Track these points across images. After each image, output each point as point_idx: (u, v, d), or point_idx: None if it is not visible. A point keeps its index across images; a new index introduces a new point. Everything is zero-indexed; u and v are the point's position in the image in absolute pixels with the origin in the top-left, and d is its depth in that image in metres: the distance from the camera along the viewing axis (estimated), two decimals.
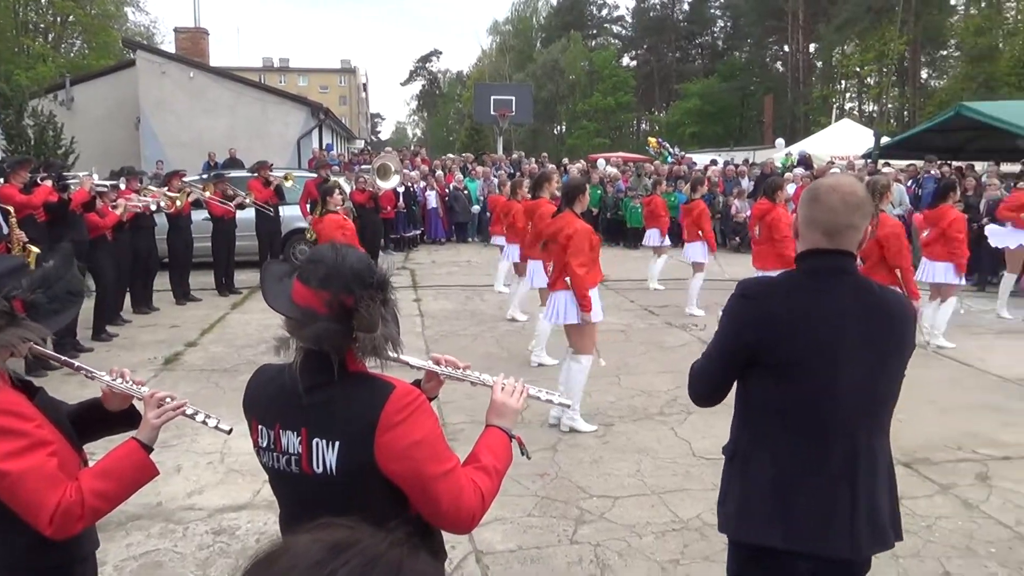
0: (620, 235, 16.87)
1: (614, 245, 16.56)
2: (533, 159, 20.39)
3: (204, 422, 1.96)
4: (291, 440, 1.62)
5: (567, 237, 5.26)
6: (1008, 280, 9.41)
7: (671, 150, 24.19)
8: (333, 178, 11.57)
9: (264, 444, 1.68)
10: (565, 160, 21.77)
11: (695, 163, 20.65)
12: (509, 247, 9.17)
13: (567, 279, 5.31)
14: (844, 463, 1.91)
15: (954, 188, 8.02)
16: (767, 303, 1.95)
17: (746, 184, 16.16)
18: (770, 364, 1.93)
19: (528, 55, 58.80)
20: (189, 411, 1.94)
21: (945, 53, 45.57)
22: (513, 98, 23.34)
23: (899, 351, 1.99)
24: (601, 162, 20.95)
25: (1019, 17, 39.21)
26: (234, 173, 13.47)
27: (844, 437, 1.92)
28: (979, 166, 14.52)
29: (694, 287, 9.35)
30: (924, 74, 46.91)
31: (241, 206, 10.80)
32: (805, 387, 1.90)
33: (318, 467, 1.59)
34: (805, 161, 18.08)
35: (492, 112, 22.84)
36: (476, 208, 16.93)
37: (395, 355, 1.67)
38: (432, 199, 16.73)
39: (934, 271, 7.69)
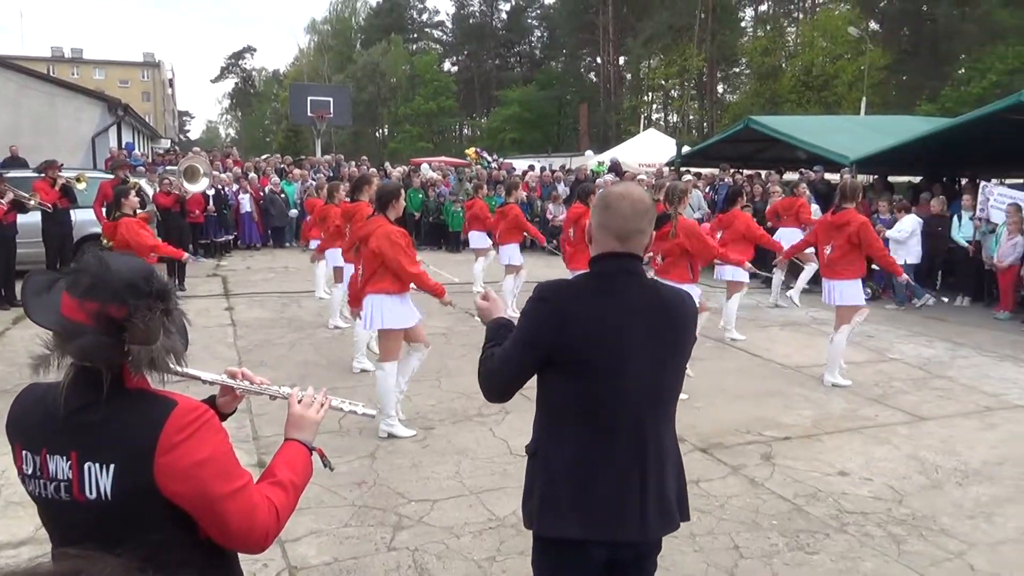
0: (442, 239, 17.00)
1: (436, 249, 16.65)
2: (353, 162, 20.05)
3: None
4: (59, 465, 1.49)
5: (383, 237, 5.23)
6: (808, 270, 10.23)
7: (489, 159, 24.60)
8: (133, 179, 10.79)
9: (29, 471, 1.53)
10: (387, 164, 21.59)
11: (514, 168, 21.19)
12: (330, 252, 8.94)
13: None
14: (634, 453, 2.04)
15: (741, 194, 8.80)
16: (563, 304, 2.04)
17: (562, 189, 16.78)
18: (565, 363, 2.02)
19: (348, 56, 57.81)
20: None
21: (738, 70, 49.85)
22: (331, 99, 22.87)
23: (682, 345, 2.15)
24: (425, 166, 20.99)
25: (799, 41, 43.56)
26: (15, 173, 12.19)
27: (633, 429, 2.04)
28: (765, 174, 15.99)
29: (506, 288, 9.63)
30: (720, 89, 51.03)
31: (22, 208, 9.78)
32: (597, 383, 2.01)
33: (91, 493, 1.47)
34: (616, 168, 19.08)
35: (309, 113, 22.22)
36: (294, 212, 16.40)
37: (180, 369, 1.57)
38: (246, 203, 15.99)
39: (724, 270, 8.38)
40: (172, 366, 1.53)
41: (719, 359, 7.67)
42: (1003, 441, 5.50)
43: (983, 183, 11.20)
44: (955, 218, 11.27)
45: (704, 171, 17.74)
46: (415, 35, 62.38)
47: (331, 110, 22.35)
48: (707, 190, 15.11)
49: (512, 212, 9.64)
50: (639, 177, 16.43)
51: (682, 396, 6.25)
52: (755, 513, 4.31)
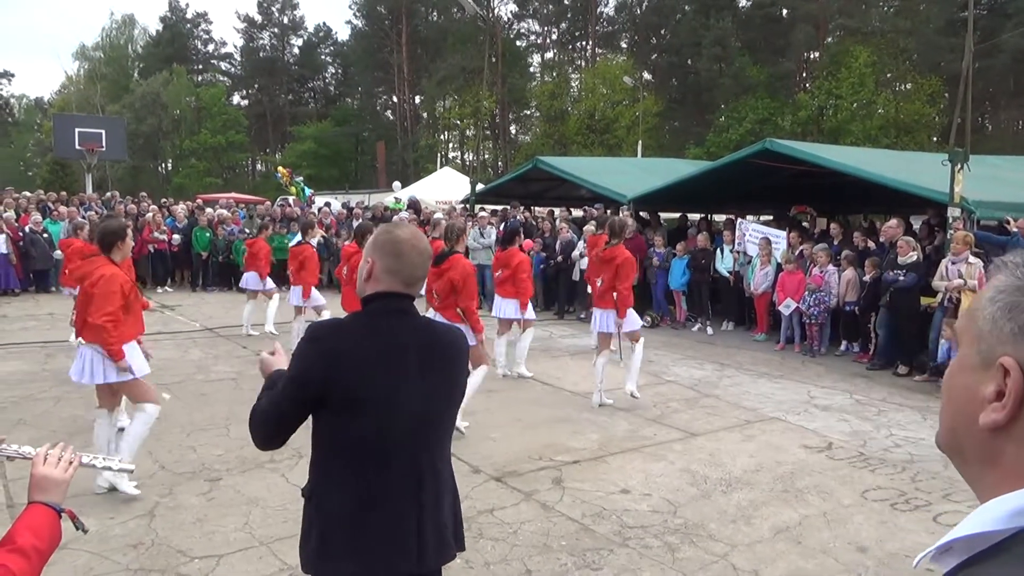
0: (233, 279, 16.23)
1: (227, 290, 15.91)
2: (129, 198, 18.66)
3: None
4: None
5: (92, 284, 4.86)
6: None
7: (303, 184, 23.43)
8: None
9: None
10: (166, 200, 20.31)
11: (313, 201, 20.79)
12: None
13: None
14: (410, 487, 2.07)
15: (518, 232, 8.71)
16: (334, 344, 2.05)
17: None
18: (338, 402, 2.03)
19: (124, 86, 53.86)
20: None
21: (528, 112, 52.32)
22: (103, 131, 21.13)
23: (453, 379, 2.23)
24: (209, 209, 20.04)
25: (582, 87, 46.62)
26: None
27: (409, 463, 2.08)
28: (557, 211, 16.88)
29: (295, 331, 9.29)
30: (513, 129, 53.27)
31: None
32: (371, 421, 2.03)
33: None
34: (414, 205, 19.26)
35: (78, 146, 20.38)
36: (59, 254, 14.91)
37: None
38: (1, 243, 14.33)
39: (504, 307, 8.36)
40: None
41: (514, 390, 7.93)
42: (759, 450, 6.14)
43: (740, 220, 12.54)
44: (718, 251, 12.48)
45: (498, 208, 18.38)
46: (200, 66, 59.41)
47: (103, 143, 20.64)
48: (500, 227, 15.64)
49: (304, 254, 9.42)
50: (435, 215, 16.71)
51: (463, 424, 6.25)
52: (546, 536, 4.48)
